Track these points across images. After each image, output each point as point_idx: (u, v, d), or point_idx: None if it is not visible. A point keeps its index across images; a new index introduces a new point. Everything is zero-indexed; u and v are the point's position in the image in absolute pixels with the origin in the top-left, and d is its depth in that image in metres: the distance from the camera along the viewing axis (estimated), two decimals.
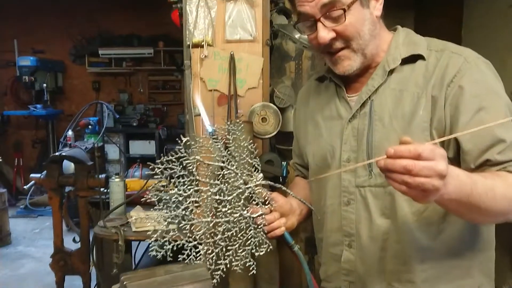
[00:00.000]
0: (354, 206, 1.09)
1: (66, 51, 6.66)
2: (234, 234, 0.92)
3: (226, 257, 0.92)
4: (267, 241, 1.00)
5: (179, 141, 0.83)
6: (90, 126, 5.18)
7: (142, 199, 0.93)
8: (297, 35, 1.90)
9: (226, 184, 0.89)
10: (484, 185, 0.88)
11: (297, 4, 1.04)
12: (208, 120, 0.88)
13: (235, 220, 0.92)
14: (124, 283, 0.86)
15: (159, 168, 0.82)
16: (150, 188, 0.86)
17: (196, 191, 0.86)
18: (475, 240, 1.07)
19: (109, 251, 1.97)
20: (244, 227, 0.95)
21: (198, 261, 0.90)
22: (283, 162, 1.90)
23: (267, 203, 1.00)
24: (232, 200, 0.91)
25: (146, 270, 0.88)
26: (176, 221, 0.86)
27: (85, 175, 2.27)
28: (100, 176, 2.28)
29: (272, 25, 1.94)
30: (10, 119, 6.76)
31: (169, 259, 0.91)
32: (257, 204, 0.97)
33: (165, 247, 0.87)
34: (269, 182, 1.01)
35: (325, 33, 1.01)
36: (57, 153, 2.38)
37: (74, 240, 2.37)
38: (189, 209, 0.86)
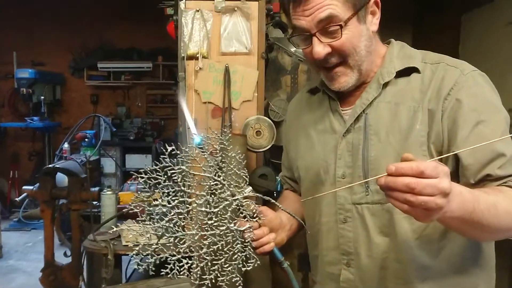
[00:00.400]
0: (352, 224, 1.06)
1: (66, 64, 6.68)
2: (220, 248, 0.88)
3: (211, 271, 0.88)
4: (255, 256, 0.96)
5: (164, 151, 0.81)
6: (86, 139, 5.15)
7: (130, 211, 0.90)
8: (292, 49, 1.88)
9: (213, 196, 0.86)
10: (486, 202, 0.85)
11: (293, 17, 1.02)
12: (194, 128, 0.86)
13: (221, 233, 0.89)
14: None
15: (142, 177, 0.79)
16: (133, 198, 0.83)
17: (181, 202, 0.83)
18: (476, 257, 1.03)
19: (99, 266, 1.93)
20: (231, 240, 0.91)
21: (182, 276, 0.86)
22: (277, 177, 1.87)
23: (255, 216, 0.96)
24: (219, 212, 0.88)
25: (127, 284, 0.85)
26: (160, 233, 0.83)
27: (79, 188, 2.23)
28: (93, 189, 2.24)
29: (268, 38, 1.93)
30: (7, 131, 6.73)
31: (162, 273, 0.88)
32: (244, 217, 0.94)
33: (147, 260, 0.84)
34: (258, 195, 0.98)
35: (320, 48, 0.99)
36: (50, 165, 2.35)
37: (65, 254, 2.32)
38: (173, 221, 0.83)
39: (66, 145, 4.42)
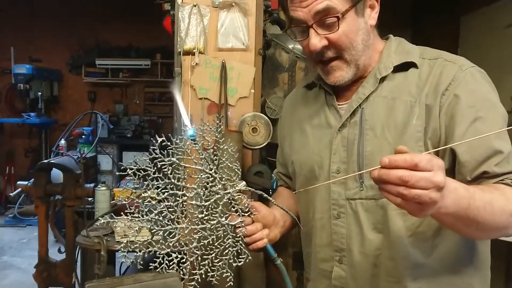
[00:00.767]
0: (345, 220, 1.04)
1: (64, 61, 6.66)
2: (211, 242, 0.86)
3: (201, 266, 0.87)
4: (247, 252, 0.94)
5: (154, 141, 0.79)
6: (83, 136, 5.13)
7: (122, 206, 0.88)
8: (290, 46, 1.87)
9: (204, 189, 0.84)
10: (482, 199, 0.84)
11: (290, 8, 1.00)
12: (187, 119, 0.84)
13: (212, 227, 0.87)
14: None
15: (131, 169, 0.77)
16: (122, 189, 0.81)
17: (172, 195, 0.81)
18: (470, 257, 1.02)
19: (92, 262, 1.91)
20: (222, 235, 0.89)
21: (171, 270, 0.84)
22: (273, 175, 1.85)
23: (248, 211, 0.95)
24: (210, 206, 0.86)
25: (114, 278, 0.83)
26: (149, 226, 0.81)
27: (73, 184, 2.22)
28: (88, 185, 2.23)
29: (266, 34, 1.92)
30: (4, 127, 6.70)
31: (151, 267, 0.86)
32: (236, 211, 0.92)
33: (135, 254, 0.82)
34: (251, 189, 0.96)
35: (316, 41, 0.98)
36: (45, 161, 2.33)
37: (59, 250, 2.30)
38: (163, 214, 0.81)
39: (63, 142, 4.41)
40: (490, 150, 0.91)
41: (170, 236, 0.83)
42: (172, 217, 0.82)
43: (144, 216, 0.80)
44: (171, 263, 0.84)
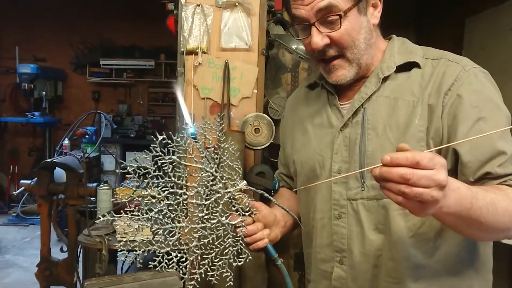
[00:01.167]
0: (346, 220, 1.03)
1: (68, 60, 6.68)
2: (211, 241, 0.86)
3: (201, 266, 0.86)
4: (247, 251, 0.94)
5: (155, 139, 0.78)
6: (87, 136, 5.14)
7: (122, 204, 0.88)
8: (294, 46, 1.86)
9: (204, 188, 0.84)
10: (485, 199, 0.83)
11: (292, 6, 1.00)
12: (188, 117, 0.83)
13: (212, 226, 0.87)
14: None
15: (131, 167, 0.77)
16: (122, 187, 0.81)
17: (172, 193, 0.81)
18: (472, 259, 1.01)
19: (94, 261, 1.91)
20: (222, 234, 0.89)
21: (171, 269, 0.84)
22: (275, 175, 1.85)
23: (248, 211, 0.94)
24: (210, 205, 0.85)
25: (113, 276, 0.83)
26: (149, 225, 0.81)
27: (76, 183, 2.22)
28: (91, 185, 2.23)
29: (269, 35, 1.91)
30: (8, 126, 6.73)
31: (150, 266, 0.86)
32: (237, 211, 0.91)
33: (135, 253, 0.81)
34: (252, 188, 0.96)
35: (318, 39, 0.97)
36: (48, 160, 2.34)
37: (61, 249, 2.31)
38: (163, 213, 0.81)
39: (66, 141, 4.42)
40: (493, 151, 0.91)
41: (170, 235, 0.83)
42: (172, 215, 0.82)
43: (144, 214, 0.80)
44: (170, 262, 0.84)
